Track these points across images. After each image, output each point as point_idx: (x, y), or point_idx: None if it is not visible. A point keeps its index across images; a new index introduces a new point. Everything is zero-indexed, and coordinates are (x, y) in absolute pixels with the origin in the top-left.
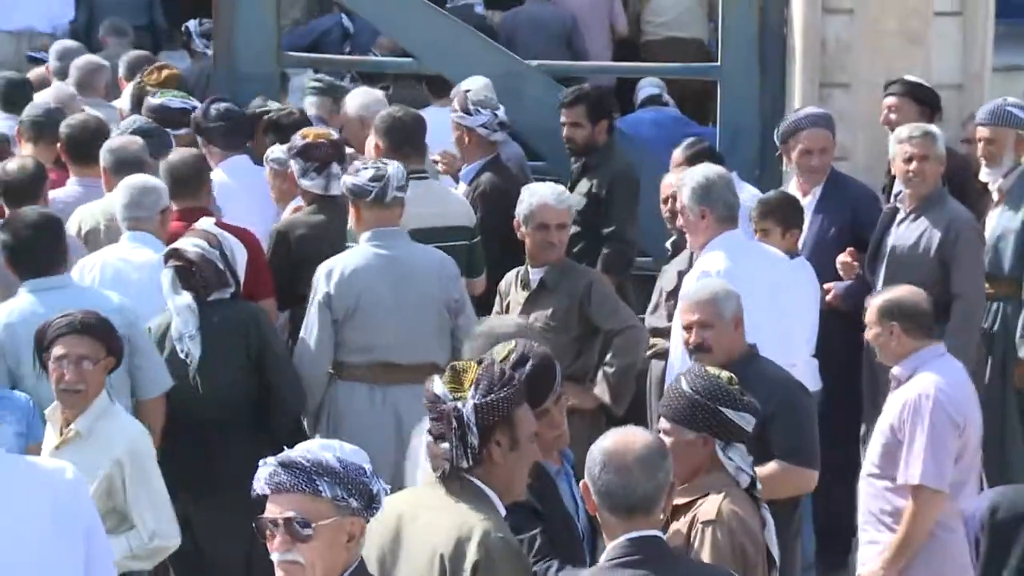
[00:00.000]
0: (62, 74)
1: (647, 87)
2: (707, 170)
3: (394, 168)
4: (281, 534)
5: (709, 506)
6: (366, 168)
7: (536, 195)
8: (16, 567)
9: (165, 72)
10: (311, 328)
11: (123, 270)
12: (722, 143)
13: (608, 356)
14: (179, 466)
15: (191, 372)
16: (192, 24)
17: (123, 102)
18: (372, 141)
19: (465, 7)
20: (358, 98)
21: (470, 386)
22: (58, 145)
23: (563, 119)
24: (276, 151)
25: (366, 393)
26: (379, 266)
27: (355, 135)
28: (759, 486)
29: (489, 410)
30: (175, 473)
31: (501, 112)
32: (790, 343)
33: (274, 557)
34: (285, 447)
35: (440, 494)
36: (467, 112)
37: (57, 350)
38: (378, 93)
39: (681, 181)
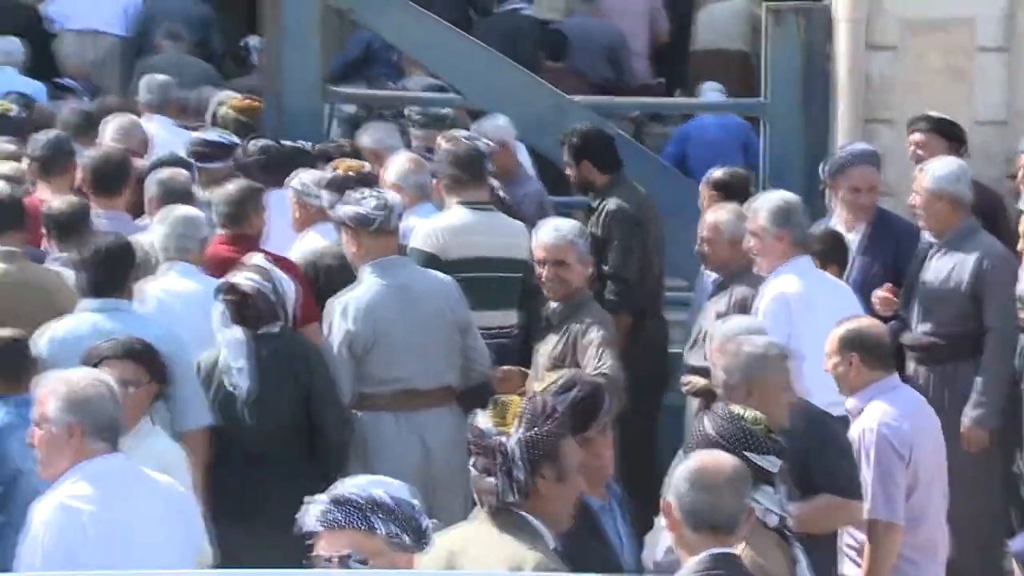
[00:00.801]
0: (157, 108)
1: (709, 93)
2: (785, 194)
3: (393, 197)
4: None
5: None
6: (367, 197)
7: (537, 230)
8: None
9: (247, 102)
10: (334, 364)
11: (167, 301)
12: (767, 177)
13: None
14: (227, 497)
15: (240, 405)
16: (252, 40)
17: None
18: (390, 174)
19: (512, 11)
20: (373, 132)
21: (514, 420)
22: (79, 176)
23: None
24: (296, 180)
25: (391, 422)
26: (391, 297)
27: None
28: (790, 523)
29: (534, 445)
30: (223, 504)
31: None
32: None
33: None
34: (332, 480)
35: (489, 528)
36: None
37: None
38: (388, 128)
39: (757, 204)
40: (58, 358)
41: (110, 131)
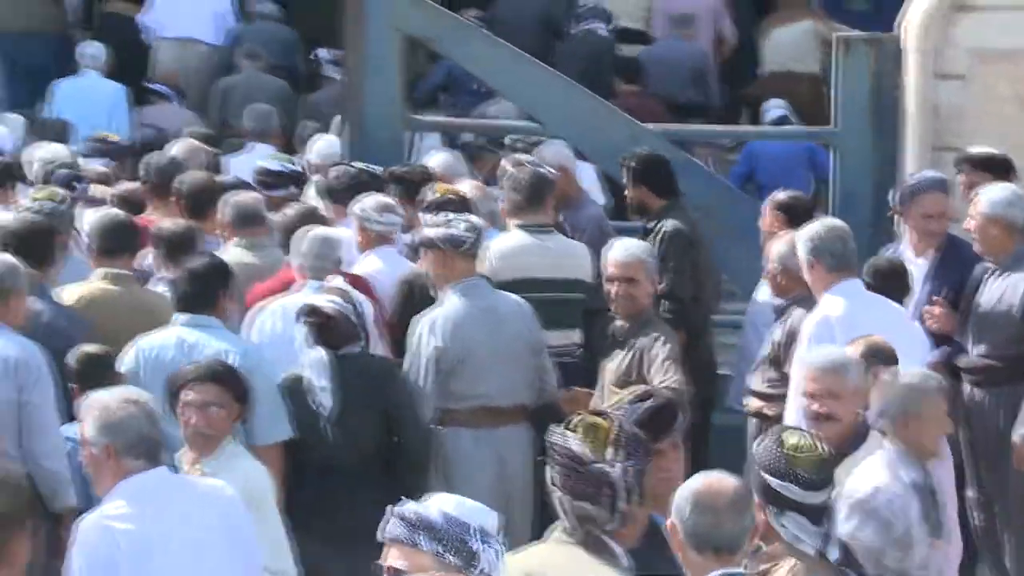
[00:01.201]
0: (260, 135)
1: (774, 109)
2: (818, 224)
3: (479, 220)
4: None
5: None
6: (455, 220)
7: (608, 249)
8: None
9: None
10: (416, 380)
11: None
12: (836, 203)
13: None
14: (309, 512)
15: (323, 423)
16: (323, 52)
17: None
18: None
19: (590, 32)
20: (441, 158)
21: (609, 446)
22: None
23: None
24: (358, 205)
25: (471, 437)
26: (477, 316)
27: None
28: (833, 555)
29: (635, 475)
30: (304, 519)
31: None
32: None
33: None
34: (409, 497)
35: (571, 550)
36: None
37: (187, 396)
38: (455, 155)
39: (800, 233)
40: (144, 371)
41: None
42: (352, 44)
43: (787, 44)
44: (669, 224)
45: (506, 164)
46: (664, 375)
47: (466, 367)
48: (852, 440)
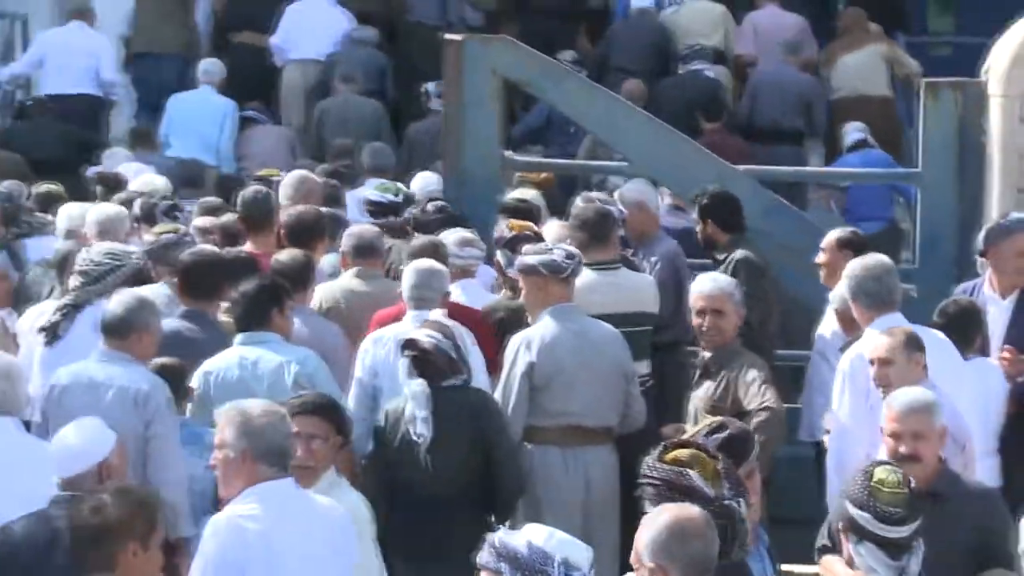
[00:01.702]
0: (378, 171)
1: (853, 132)
2: (857, 262)
3: (575, 249)
4: None
5: None
6: (553, 248)
7: (697, 282)
8: None
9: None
10: (509, 394)
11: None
12: (921, 244)
13: None
14: (406, 538)
15: (421, 452)
16: (431, 86)
17: None
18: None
19: (694, 72)
20: (519, 194)
21: (722, 479)
22: (279, 231)
23: None
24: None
25: (559, 456)
26: (568, 336)
27: None
28: None
29: (746, 507)
30: (402, 544)
31: (615, 211)
32: None
33: None
34: (504, 524)
35: None
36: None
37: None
38: (538, 193)
39: (844, 272)
40: (213, 392)
41: (284, 186)
42: (451, 85)
43: (856, 69)
44: (739, 253)
45: (578, 201)
46: (762, 397)
47: (556, 384)
48: (936, 480)
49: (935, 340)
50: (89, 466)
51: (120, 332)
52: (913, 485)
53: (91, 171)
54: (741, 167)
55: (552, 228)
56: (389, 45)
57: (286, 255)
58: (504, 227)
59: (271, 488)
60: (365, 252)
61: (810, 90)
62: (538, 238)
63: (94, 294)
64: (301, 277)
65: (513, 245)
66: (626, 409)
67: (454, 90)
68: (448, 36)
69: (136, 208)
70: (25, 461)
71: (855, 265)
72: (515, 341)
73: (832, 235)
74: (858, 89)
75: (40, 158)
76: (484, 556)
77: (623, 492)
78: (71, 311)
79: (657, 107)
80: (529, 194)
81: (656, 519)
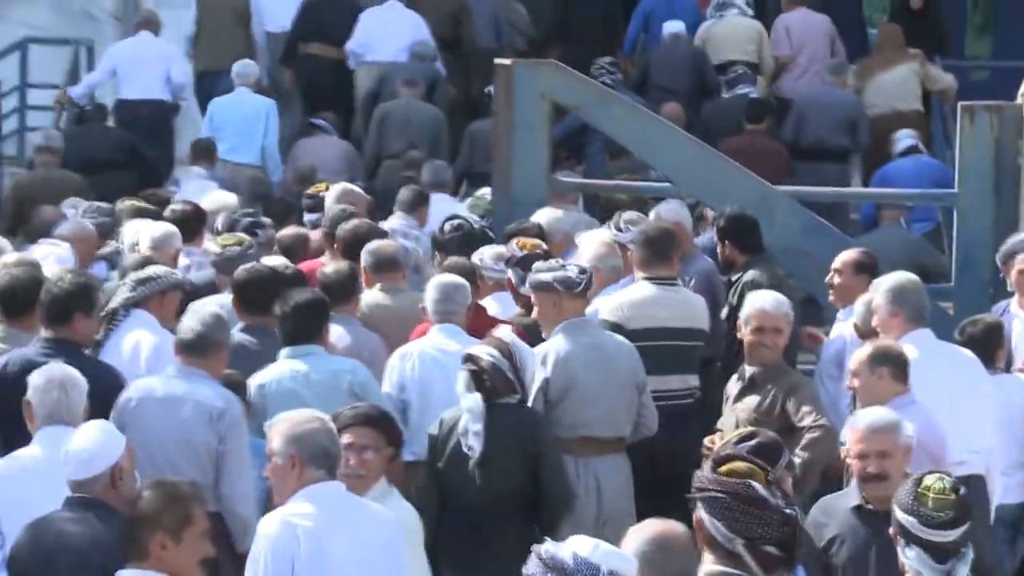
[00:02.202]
0: (438, 186)
1: (904, 139)
2: (900, 275)
3: (588, 265)
4: None
5: None
6: (566, 265)
7: (757, 300)
8: None
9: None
10: None
11: (438, 359)
12: (958, 264)
13: (798, 449)
14: (454, 547)
15: (471, 465)
16: (493, 89)
17: None
18: (586, 255)
19: (740, 96)
20: (542, 216)
21: (770, 489)
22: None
23: None
24: (477, 256)
25: (572, 464)
26: (583, 352)
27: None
28: None
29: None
30: (450, 553)
31: None
32: (960, 440)
33: None
34: (549, 537)
35: None
36: (619, 229)
37: (345, 439)
38: (558, 212)
39: (877, 283)
40: (264, 400)
41: (330, 198)
42: (502, 109)
43: (891, 86)
44: (748, 275)
45: (620, 220)
46: (815, 415)
47: (571, 397)
48: None
49: (963, 358)
50: (103, 469)
51: (200, 350)
52: (963, 492)
53: (172, 188)
54: (781, 187)
55: (591, 244)
56: (457, 67)
57: (332, 268)
58: (514, 246)
59: (321, 490)
60: (386, 267)
61: (854, 109)
62: (547, 256)
63: (130, 303)
64: (346, 289)
65: (524, 263)
66: (639, 419)
67: (504, 113)
68: (498, 61)
69: (218, 223)
70: None
71: (898, 278)
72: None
73: (848, 258)
74: (894, 106)
75: (90, 160)
76: (532, 567)
77: (639, 500)
78: (107, 321)
79: (707, 129)
80: (544, 216)
81: (642, 532)
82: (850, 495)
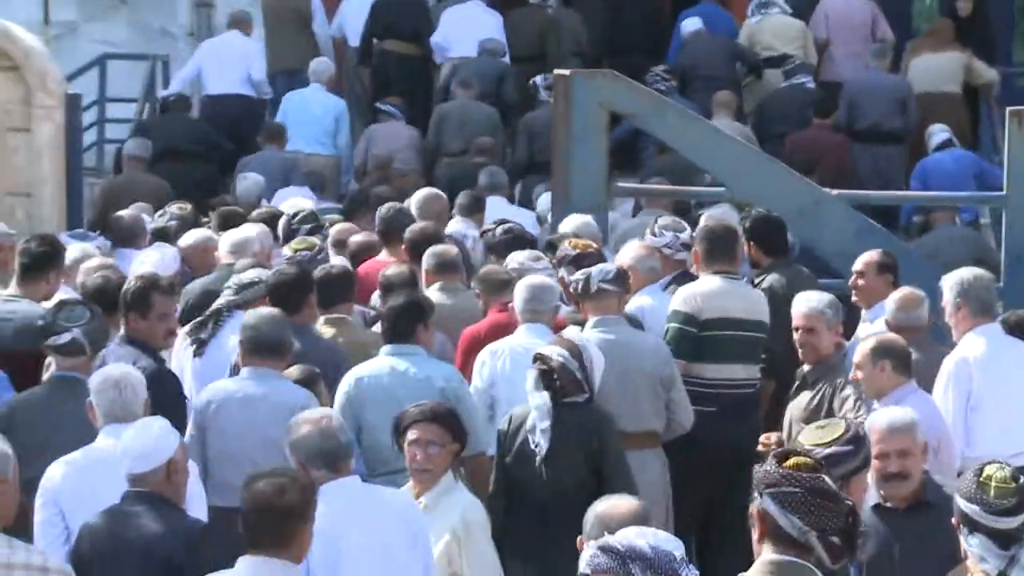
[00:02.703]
0: (495, 190)
1: (939, 133)
2: (967, 271)
3: (597, 268)
4: None
5: None
6: (604, 267)
7: (795, 301)
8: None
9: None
10: None
11: (523, 356)
12: (1007, 264)
13: None
14: (519, 541)
15: (538, 461)
16: (539, 79)
17: None
18: (625, 258)
19: (797, 86)
20: (571, 223)
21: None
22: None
23: None
24: (513, 259)
25: None
26: (609, 347)
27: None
28: None
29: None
30: (515, 547)
31: (685, 235)
32: (1011, 434)
33: None
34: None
35: None
36: (653, 234)
37: (411, 434)
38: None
39: (945, 279)
40: (363, 394)
41: (414, 203)
42: (560, 118)
43: (938, 68)
44: (767, 280)
45: (703, 219)
46: (857, 412)
47: (598, 393)
48: (925, 492)
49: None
50: (158, 463)
51: (275, 351)
52: (1022, 480)
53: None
54: (834, 191)
55: (636, 248)
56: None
57: (393, 270)
58: (567, 246)
59: (325, 490)
60: (446, 268)
61: (904, 89)
62: (599, 255)
63: (232, 305)
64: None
65: (577, 262)
66: (670, 415)
67: (563, 122)
68: (557, 71)
69: (280, 228)
70: None
71: (963, 273)
72: None
73: (870, 259)
74: (940, 87)
75: (171, 148)
76: (603, 561)
77: (676, 493)
78: (214, 320)
79: (762, 116)
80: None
81: (618, 506)
82: (869, 494)
